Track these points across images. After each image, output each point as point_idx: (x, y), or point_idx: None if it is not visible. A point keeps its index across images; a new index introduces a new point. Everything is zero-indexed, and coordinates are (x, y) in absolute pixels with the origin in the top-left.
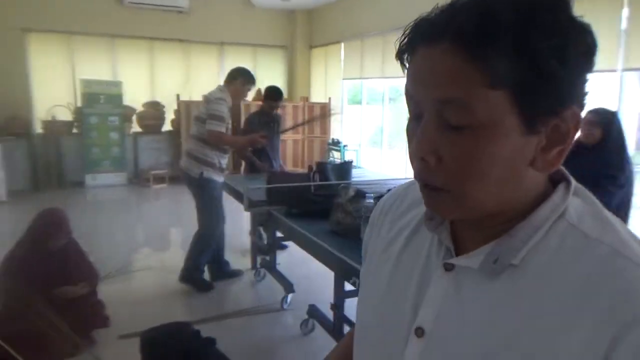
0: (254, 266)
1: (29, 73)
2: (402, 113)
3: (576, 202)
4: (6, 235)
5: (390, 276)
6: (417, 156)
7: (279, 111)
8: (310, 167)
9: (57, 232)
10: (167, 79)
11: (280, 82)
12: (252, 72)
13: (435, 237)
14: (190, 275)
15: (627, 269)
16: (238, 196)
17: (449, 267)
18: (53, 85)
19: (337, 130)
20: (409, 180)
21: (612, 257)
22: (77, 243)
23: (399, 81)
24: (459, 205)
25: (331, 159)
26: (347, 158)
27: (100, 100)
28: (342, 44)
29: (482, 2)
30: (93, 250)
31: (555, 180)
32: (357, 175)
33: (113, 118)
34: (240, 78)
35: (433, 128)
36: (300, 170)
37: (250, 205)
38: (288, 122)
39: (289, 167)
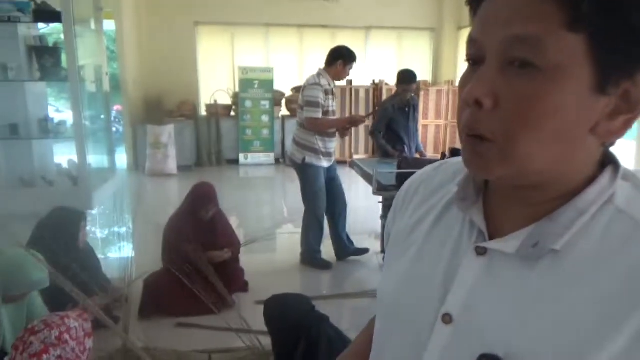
0: (382, 250)
1: (197, 62)
2: None
3: (625, 186)
4: (176, 203)
5: (415, 260)
6: (473, 97)
7: (412, 95)
8: (443, 154)
9: (208, 204)
10: (314, 64)
11: (425, 66)
12: (397, 55)
13: (467, 218)
14: (308, 257)
15: None
16: (370, 179)
17: (481, 251)
18: (216, 72)
19: None
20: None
21: None
22: (223, 213)
23: None
24: (505, 160)
25: None
26: None
27: (254, 85)
28: None
29: None
30: (241, 221)
31: (604, 164)
32: None
33: (265, 102)
34: (341, 60)
35: (496, 69)
36: (438, 156)
37: (379, 189)
38: (430, 107)
39: (429, 154)
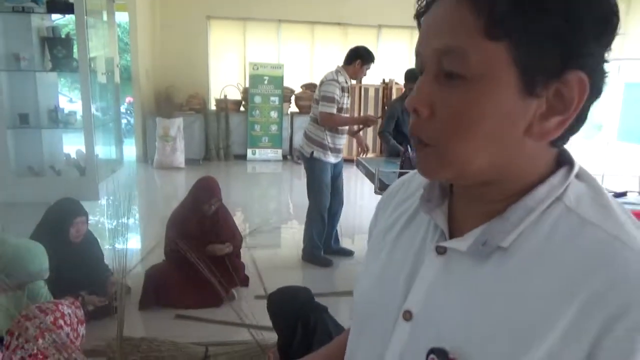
0: None
1: (209, 56)
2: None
3: (579, 186)
4: (182, 196)
5: (386, 260)
6: (411, 107)
7: None
8: None
9: (211, 198)
10: (325, 61)
11: None
12: (409, 54)
13: (432, 220)
14: (309, 253)
15: (623, 255)
16: (374, 179)
17: (441, 250)
18: (227, 67)
19: None
20: None
21: (608, 242)
22: (226, 208)
23: None
24: (443, 163)
25: None
26: None
27: (264, 81)
28: None
29: None
30: (246, 216)
31: (562, 164)
32: None
33: (274, 98)
34: (359, 59)
35: (431, 80)
36: None
37: (381, 188)
38: None
39: None
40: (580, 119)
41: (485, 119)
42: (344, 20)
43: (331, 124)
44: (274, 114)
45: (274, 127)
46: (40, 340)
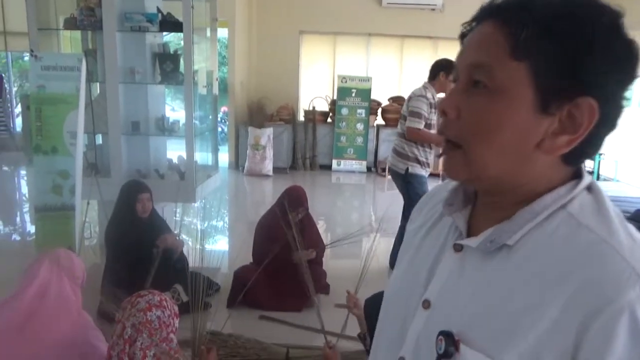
0: None
1: (300, 69)
2: None
3: (586, 198)
4: (269, 202)
5: (413, 255)
6: (441, 109)
7: None
8: None
9: (298, 206)
10: (413, 75)
11: None
12: None
13: (454, 221)
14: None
15: (607, 257)
16: None
17: (458, 248)
18: (316, 80)
19: None
20: None
21: (597, 243)
22: (311, 217)
23: None
24: (467, 163)
25: None
26: (601, 169)
27: (352, 93)
28: None
29: None
30: (328, 225)
31: (575, 177)
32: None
33: (361, 110)
34: (442, 71)
35: (462, 88)
36: None
37: None
38: None
39: None
40: (594, 146)
41: (502, 129)
42: (435, 33)
43: (418, 139)
44: (360, 126)
45: (359, 139)
46: (149, 313)
